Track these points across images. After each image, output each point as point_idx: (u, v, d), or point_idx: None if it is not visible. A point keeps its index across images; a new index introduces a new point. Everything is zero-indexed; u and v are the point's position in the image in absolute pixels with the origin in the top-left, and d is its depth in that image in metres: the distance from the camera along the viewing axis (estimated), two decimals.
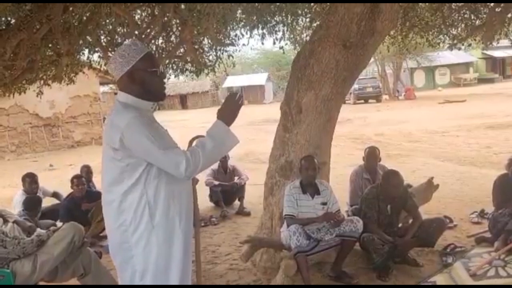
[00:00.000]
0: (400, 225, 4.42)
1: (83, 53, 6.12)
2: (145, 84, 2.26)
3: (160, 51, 6.41)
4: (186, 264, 2.35)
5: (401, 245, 4.03)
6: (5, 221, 4.41)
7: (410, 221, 4.41)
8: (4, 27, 4.22)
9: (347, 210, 4.92)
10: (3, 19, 4.13)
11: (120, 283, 2.39)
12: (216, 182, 6.75)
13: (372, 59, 29.73)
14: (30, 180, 5.82)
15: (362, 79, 29.24)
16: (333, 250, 4.03)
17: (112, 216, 2.27)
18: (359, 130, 15.37)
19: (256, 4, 5.50)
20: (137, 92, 2.26)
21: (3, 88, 5.78)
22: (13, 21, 4.29)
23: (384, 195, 4.21)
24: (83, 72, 7.06)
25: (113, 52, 5.87)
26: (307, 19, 6.69)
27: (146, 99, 2.30)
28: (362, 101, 30.20)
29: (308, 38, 5.66)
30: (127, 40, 6.03)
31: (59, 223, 5.41)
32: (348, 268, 4.08)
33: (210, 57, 6.93)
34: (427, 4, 5.95)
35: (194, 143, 2.41)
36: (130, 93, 2.26)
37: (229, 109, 2.34)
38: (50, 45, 5.10)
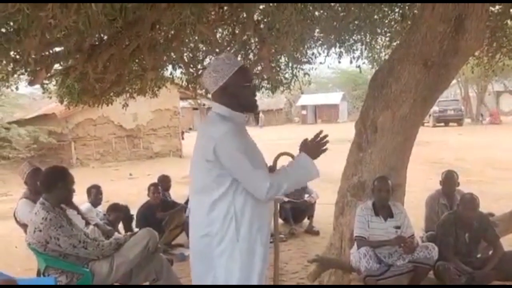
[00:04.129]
0: (479, 255, 4.15)
1: (167, 69, 6.44)
2: (237, 98, 2.33)
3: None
4: (263, 275, 2.38)
5: (480, 277, 3.78)
6: (87, 223, 4.70)
7: (490, 252, 4.12)
8: (97, 43, 4.55)
9: (421, 236, 4.70)
10: (97, 35, 4.46)
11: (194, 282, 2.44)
12: (286, 199, 6.73)
13: (454, 81, 28.39)
14: (96, 192, 5.73)
15: (443, 101, 28.01)
16: (405, 277, 3.86)
17: (199, 224, 2.33)
18: (438, 153, 14.68)
19: (335, 23, 5.51)
20: (231, 104, 2.34)
21: (93, 99, 6.21)
22: (105, 37, 4.62)
23: (462, 222, 3.98)
24: (166, 87, 7.39)
25: (194, 68, 6.18)
26: (387, 38, 6.58)
27: (239, 111, 2.37)
28: (442, 124, 28.88)
29: (387, 57, 5.56)
30: (208, 57, 6.29)
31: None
32: None
33: (286, 75, 7.00)
34: None
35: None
36: (224, 105, 2.34)
37: (314, 145, 2.38)
38: (137, 60, 5.42)
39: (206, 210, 2.28)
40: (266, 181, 2.18)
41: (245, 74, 2.37)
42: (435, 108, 27.04)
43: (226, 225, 2.24)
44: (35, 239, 3.34)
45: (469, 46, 3.82)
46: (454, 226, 4.00)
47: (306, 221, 6.84)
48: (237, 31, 5.58)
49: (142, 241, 3.66)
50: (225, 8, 4.96)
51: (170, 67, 6.31)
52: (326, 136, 2.41)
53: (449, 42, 3.76)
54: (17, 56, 3.77)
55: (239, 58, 6.56)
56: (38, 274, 3.84)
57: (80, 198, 6.95)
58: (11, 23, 2.57)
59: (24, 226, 4.29)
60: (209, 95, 2.51)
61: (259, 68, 6.61)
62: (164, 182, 6.78)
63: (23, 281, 3.27)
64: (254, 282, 2.30)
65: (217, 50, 5.74)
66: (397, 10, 5.83)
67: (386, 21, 6.06)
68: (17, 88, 6.29)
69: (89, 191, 5.72)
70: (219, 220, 2.25)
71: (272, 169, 2.69)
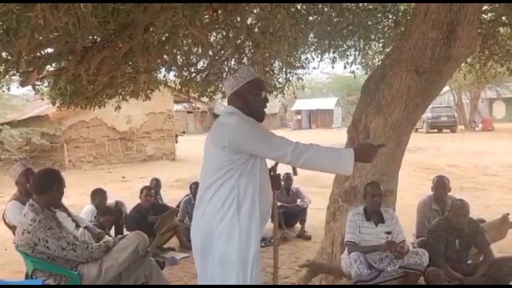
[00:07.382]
0: (469, 262, 4.15)
1: (160, 72, 6.42)
2: (248, 103, 2.57)
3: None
4: (259, 260, 2.50)
5: (470, 284, 3.78)
6: (77, 226, 4.66)
7: (481, 258, 4.13)
8: (90, 45, 4.53)
9: (413, 242, 4.70)
10: (90, 37, 4.43)
11: (199, 272, 2.57)
12: (279, 203, 6.72)
13: (448, 88, 28.56)
14: (101, 196, 5.78)
15: (437, 108, 28.18)
16: (396, 283, 3.85)
17: (202, 206, 2.48)
18: (431, 160, 14.74)
19: (328, 28, 5.52)
20: (241, 108, 2.57)
21: (85, 102, 6.16)
22: (98, 39, 4.60)
23: (452, 228, 3.99)
24: (159, 90, 7.37)
25: (187, 71, 6.17)
26: (380, 44, 6.61)
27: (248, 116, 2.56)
28: (436, 130, 29.03)
29: (380, 62, 5.59)
30: (201, 60, 6.28)
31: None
32: None
33: (280, 79, 7.01)
34: (509, 31, 5.67)
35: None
36: (236, 108, 2.56)
37: (369, 151, 2.50)
38: (130, 62, 5.39)
39: (211, 194, 2.43)
40: (290, 144, 2.37)
41: (258, 84, 2.61)
42: (428, 114, 27.17)
43: (228, 204, 2.40)
44: (23, 241, 3.30)
45: (460, 53, 3.83)
46: (444, 232, 4.01)
47: (298, 225, 6.83)
48: (230, 35, 5.58)
49: (132, 244, 3.64)
50: (219, 11, 4.95)
51: (163, 70, 6.28)
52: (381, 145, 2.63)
53: (441, 49, 3.77)
54: (9, 57, 3.74)
55: (232, 62, 6.58)
56: (27, 277, 3.81)
57: (73, 200, 6.92)
58: (0, 23, 2.55)
59: (13, 228, 4.24)
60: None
61: None
62: (156, 186, 6.78)
63: (9, 283, 3.24)
64: (250, 262, 2.41)
65: (210, 53, 5.73)
66: (390, 16, 5.86)
67: (380, 27, 6.09)
68: (8, 89, 6.26)
69: (95, 193, 5.78)
70: (221, 200, 2.41)
71: (273, 169, 2.85)
